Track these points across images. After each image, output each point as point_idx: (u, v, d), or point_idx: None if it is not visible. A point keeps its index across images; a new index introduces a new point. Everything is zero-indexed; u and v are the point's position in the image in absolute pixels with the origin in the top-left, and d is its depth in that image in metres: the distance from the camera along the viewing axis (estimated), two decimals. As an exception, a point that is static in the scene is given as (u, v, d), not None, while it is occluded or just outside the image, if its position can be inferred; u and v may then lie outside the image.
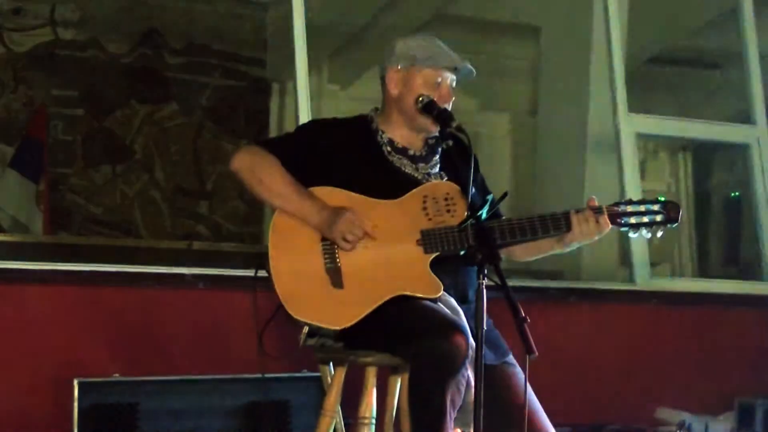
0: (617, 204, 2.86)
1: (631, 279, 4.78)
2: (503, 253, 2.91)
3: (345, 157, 2.86)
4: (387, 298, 2.70)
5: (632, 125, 4.93)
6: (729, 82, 8.07)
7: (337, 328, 2.71)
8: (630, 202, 2.86)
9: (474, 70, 2.91)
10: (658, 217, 2.84)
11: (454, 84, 2.91)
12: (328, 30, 6.88)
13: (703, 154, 8.63)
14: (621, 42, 5.00)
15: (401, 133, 2.92)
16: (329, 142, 2.88)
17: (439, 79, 2.86)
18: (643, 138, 5.91)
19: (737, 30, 5.33)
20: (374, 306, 2.69)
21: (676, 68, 8.12)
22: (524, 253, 2.99)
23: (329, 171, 2.85)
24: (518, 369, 2.83)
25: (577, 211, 2.81)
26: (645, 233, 2.85)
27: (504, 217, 2.90)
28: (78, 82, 7.70)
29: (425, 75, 2.87)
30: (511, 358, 2.85)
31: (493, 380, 2.65)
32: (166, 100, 8.02)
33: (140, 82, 7.90)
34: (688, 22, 6.80)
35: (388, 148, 2.91)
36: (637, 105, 5.05)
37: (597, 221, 2.80)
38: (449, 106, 2.87)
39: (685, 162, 8.64)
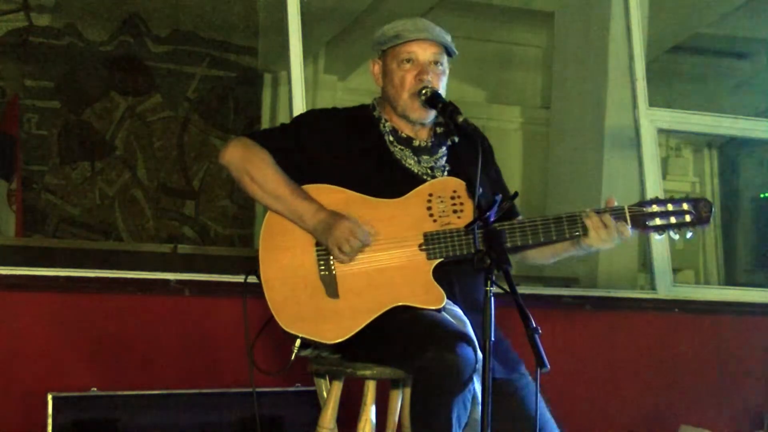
0: (641, 204, 2.83)
1: (651, 286, 4.78)
2: (516, 255, 2.91)
3: (344, 150, 2.86)
4: (385, 309, 2.70)
5: (653, 120, 4.92)
6: (758, 73, 8.10)
7: (331, 342, 2.71)
8: (656, 201, 2.83)
9: (451, 45, 2.87)
10: (688, 218, 2.82)
11: (441, 59, 2.86)
12: (325, 16, 6.89)
13: (730, 151, 8.64)
14: (641, 29, 4.99)
15: (402, 124, 2.91)
16: (328, 134, 2.88)
17: (410, 55, 2.84)
18: (664, 134, 5.91)
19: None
20: (371, 318, 2.69)
21: (700, 58, 8.13)
22: (538, 255, 2.97)
23: (326, 166, 2.84)
24: (530, 379, 2.82)
25: (597, 212, 2.79)
26: (672, 235, 2.83)
27: (519, 218, 2.89)
28: (53, 72, 7.71)
29: (395, 55, 2.86)
30: (522, 368, 2.84)
31: (502, 395, 2.65)
32: (149, 91, 8.03)
33: (121, 72, 7.91)
34: (714, 8, 6.80)
35: (391, 138, 2.90)
36: (658, 98, 5.05)
37: (616, 226, 2.78)
38: (441, 85, 2.85)
39: (711, 160, 8.65)
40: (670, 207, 2.82)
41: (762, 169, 8.55)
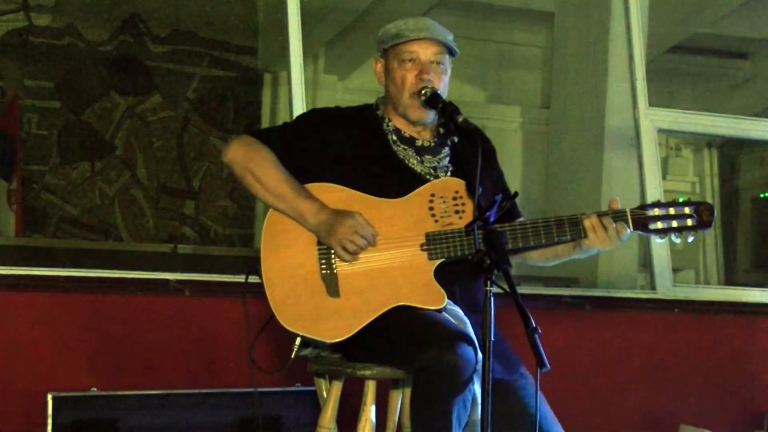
0: (643, 207, 2.83)
1: (651, 286, 4.78)
2: (517, 257, 2.91)
3: (347, 149, 2.86)
4: (386, 308, 2.70)
5: (653, 120, 4.92)
6: (757, 73, 8.10)
7: (331, 341, 2.71)
8: (657, 205, 2.83)
9: (453, 44, 2.87)
10: (689, 222, 2.81)
11: (442, 59, 2.86)
12: (325, 16, 6.89)
13: (730, 151, 8.64)
14: (641, 29, 4.99)
15: (405, 123, 2.91)
16: (331, 133, 2.88)
17: (411, 55, 2.84)
18: (664, 134, 5.91)
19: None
20: (372, 317, 2.69)
21: (700, 58, 8.13)
22: (540, 256, 2.97)
23: (329, 165, 2.84)
24: (531, 380, 2.82)
25: (599, 215, 2.79)
26: (674, 239, 2.83)
27: (520, 219, 2.89)
28: (53, 72, 7.70)
29: (397, 54, 2.86)
30: (523, 369, 2.84)
31: (502, 396, 2.65)
32: (149, 91, 8.03)
33: (121, 72, 7.91)
34: (714, 8, 6.80)
35: (394, 137, 2.90)
36: (658, 98, 5.04)
37: (615, 228, 2.78)
38: (442, 85, 2.84)
39: (710, 160, 8.65)
40: (671, 211, 2.82)
41: (762, 169, 8.55)
